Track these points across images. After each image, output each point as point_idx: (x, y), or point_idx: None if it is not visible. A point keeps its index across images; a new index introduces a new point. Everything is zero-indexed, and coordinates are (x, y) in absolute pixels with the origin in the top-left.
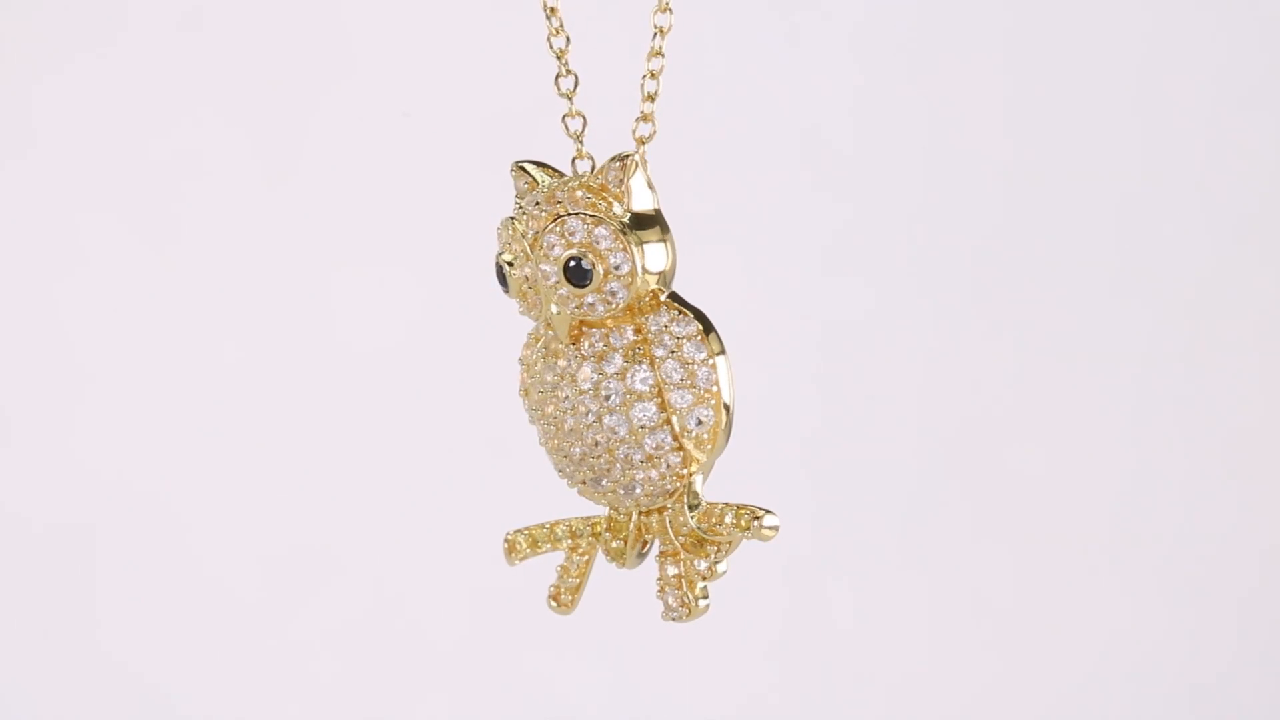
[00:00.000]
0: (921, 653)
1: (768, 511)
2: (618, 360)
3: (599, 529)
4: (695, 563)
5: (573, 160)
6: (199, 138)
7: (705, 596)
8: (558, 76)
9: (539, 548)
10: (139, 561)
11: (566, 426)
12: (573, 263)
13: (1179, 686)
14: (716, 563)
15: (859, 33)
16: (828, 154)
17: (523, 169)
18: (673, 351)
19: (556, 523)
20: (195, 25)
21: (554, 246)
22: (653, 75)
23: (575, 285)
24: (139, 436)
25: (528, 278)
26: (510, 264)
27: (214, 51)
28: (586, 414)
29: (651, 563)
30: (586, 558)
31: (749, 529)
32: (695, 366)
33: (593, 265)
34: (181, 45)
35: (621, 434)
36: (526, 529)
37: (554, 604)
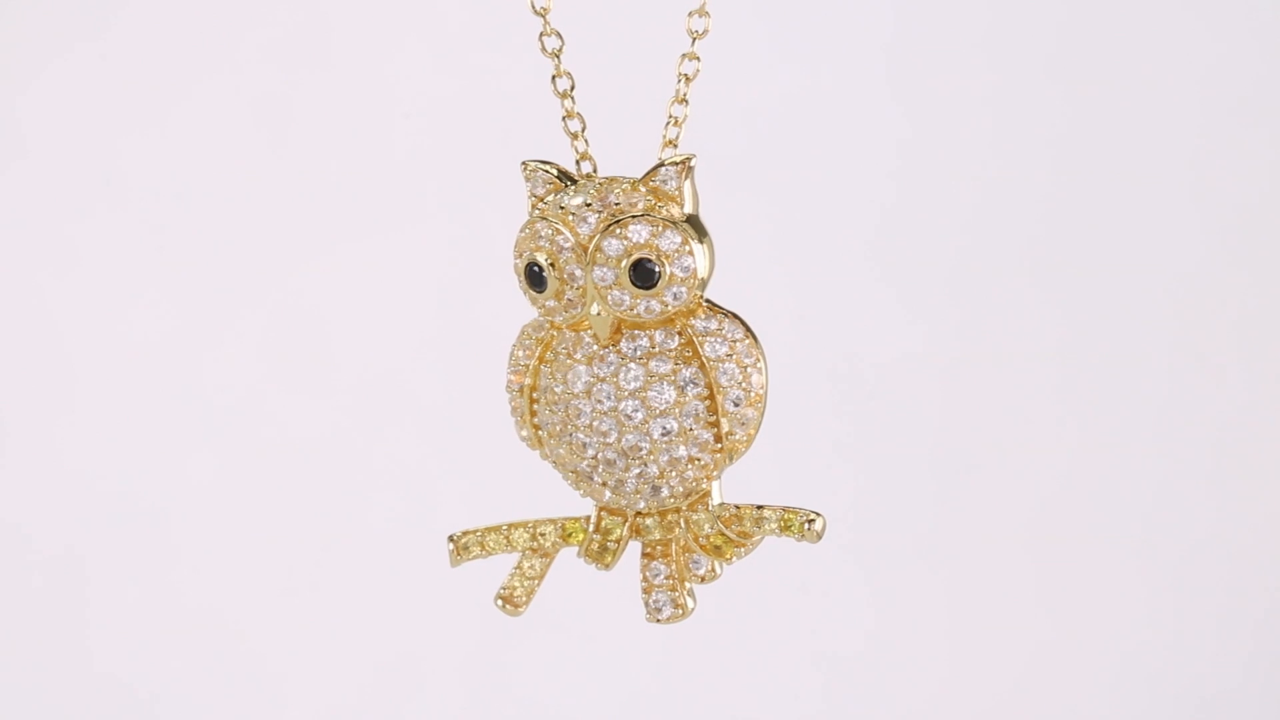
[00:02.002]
0: (924, 657)
1: (817, 514)
2: (667, 363)
3: (569, 530)
4: (691, 564)
5: (577, 161)
6: (195, 139)
7: (692, 596)
8: (554, 77)
9: (490, 550)
10: (137, 566)
11: (601, 429)
12: (639, 265)
13: (1193, 694)
14: (728, 563)
15: (861, 39)
16: (831, 158)
17: (544, 169)
18: (729, 355)
19: (515, 524)
20: (192, 27)
21: (614, 249)
22: (686, 79)
23: (640, 288)
24: (134, 440)
25: (571, 278)
26: (553, 265)
27: (212, 53)
28: (631, 416)
29: (627, 563)
30: (548, 559)
31: (802, 531)
32: (749, 370)
33: (660, 268)
34: (179, 47)
35: (673, 434)
36: (476, 531)
37: (505, 605)
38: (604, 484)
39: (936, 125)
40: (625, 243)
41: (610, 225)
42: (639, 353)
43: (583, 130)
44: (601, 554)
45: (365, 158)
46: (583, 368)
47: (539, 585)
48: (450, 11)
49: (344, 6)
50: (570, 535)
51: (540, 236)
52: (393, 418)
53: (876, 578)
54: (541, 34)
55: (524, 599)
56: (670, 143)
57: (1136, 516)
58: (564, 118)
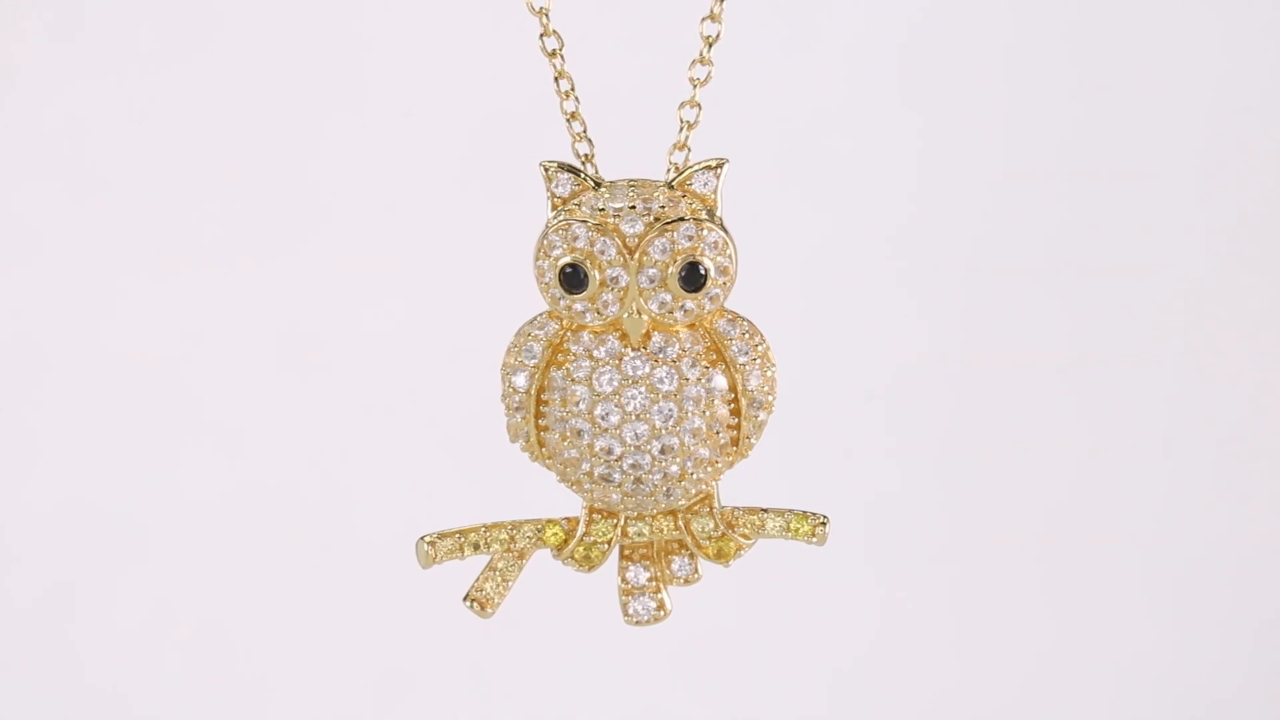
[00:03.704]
0: (930, 660)
1: (826, 517)
2: (697, 366)
3: (549, 532)
4: (672, 568)
5: (582, 163)
6: (190, 140)
7: (670, 598)
8: (555, 78)
9: (463, 553)
10: (125, 571)
11: (633, 430)
12: (689, 268)
13: (1202, 699)
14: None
15: (860, 44)
16: (839, 161)
17: (565, 170)
18: (753, 359)
19: (491, 525)
20: (185, 29)
21: (663, 251)
22: (698, 83)
23: (689, 290)
24: (120, 444)
25: (614, 281)
26: (593, 267)
27: (206, 54)
28: (666, 419)
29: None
30: (522, 561)
31: (814, 534)
32: (771, 373)
33: (707, 270)
34: (172, 47)
35: (701, 435)
36: (449, 533)
37: (475, 605)
38: (620, 486)
39: (947, 129)
40: (674, 245)
41: (659, 227)
42: (671, 355)
43: (584, 131)
44: (588, 557)
45: (362, 156)
46: (611, 370)
47: (511, 587)
48: (453, 10)
49: (343, 4)
50: (550, 537)
51: (578, 238)
52: (379, 420)
53: (882, 581)
54: (541, 34)
55: (495, 601)
56: (681, 145)
57: (1146, 520)
58: (568, 119)
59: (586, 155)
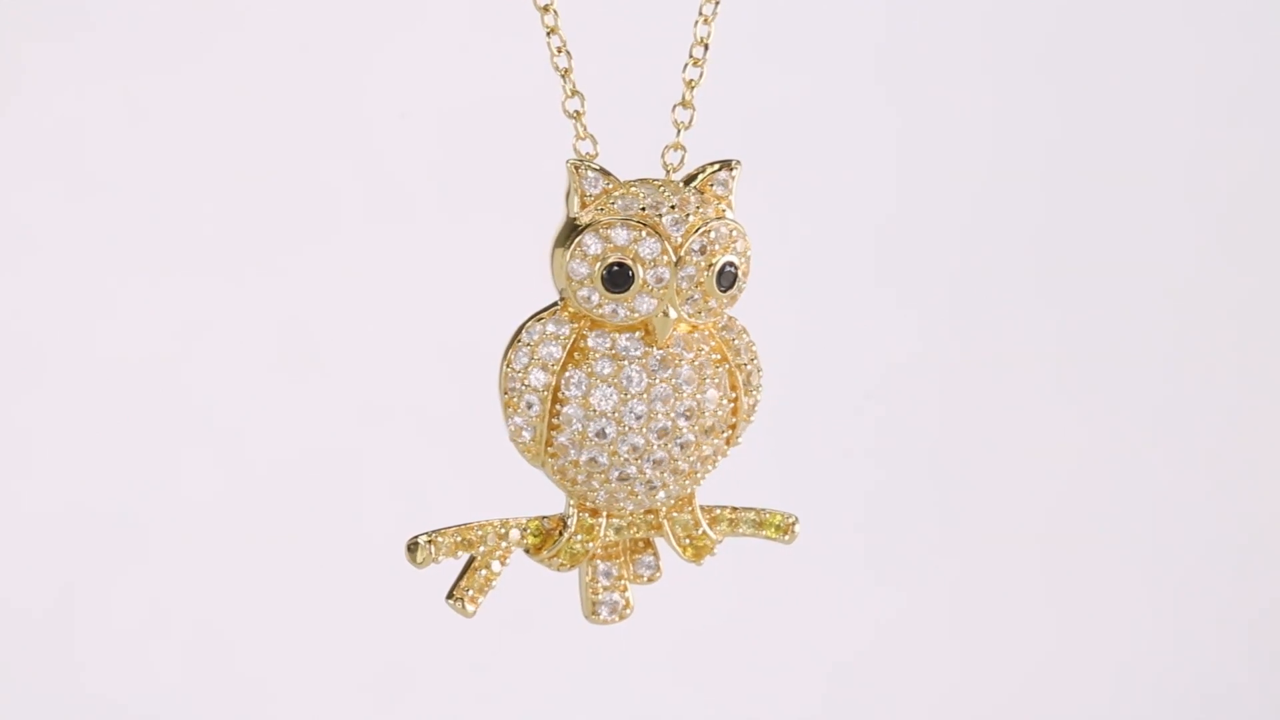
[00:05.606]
0: (926, 661)
1: (795, 516)
2: (709, 365)
3: (535, 531)
4: (639, 566)
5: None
6: (188, 141)
7: (632, 596)
8: (562, 75)
9: (453, 553)
10: (120, 575)
11: (657, 428)
12: (723, 268)
13: (1202, 699)
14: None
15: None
16: (832, 162)
17: (593, 169)
18: (750, 360)
19: (486, 523)
20: (185, 30)
21: (704, 252)
22: (691, 84)
23: (723, 290)
24: (116, 446)
25: (658, 281)
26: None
27: (205, 56)
28: (688, 416)
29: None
30: (505, 559)
31: (786, 532)
32: (762, 374)
33: (736, 270)
34: (172, 49)
35: (712, 433)
36: (444, 532)
37: (459, 605)
38: (631, 484)
39: (936, 129)
40: (713, 246)
41: (701, 228)
42: (689, 355)
43: (586, 131)
44: (572, 555)
45: (358, 157)
46: (637, 369)
47: (494, 585)
48: (452, 10)
49: (342, 4)
50: (535, 535)
51: (619, 238)
52: (375, 420)
53: (878, 580)
54: (548, 33)
55: (478, 599)
56: (676, 145)
57: (1140, 519)
58: (572, 118)
59: (589, 155)
